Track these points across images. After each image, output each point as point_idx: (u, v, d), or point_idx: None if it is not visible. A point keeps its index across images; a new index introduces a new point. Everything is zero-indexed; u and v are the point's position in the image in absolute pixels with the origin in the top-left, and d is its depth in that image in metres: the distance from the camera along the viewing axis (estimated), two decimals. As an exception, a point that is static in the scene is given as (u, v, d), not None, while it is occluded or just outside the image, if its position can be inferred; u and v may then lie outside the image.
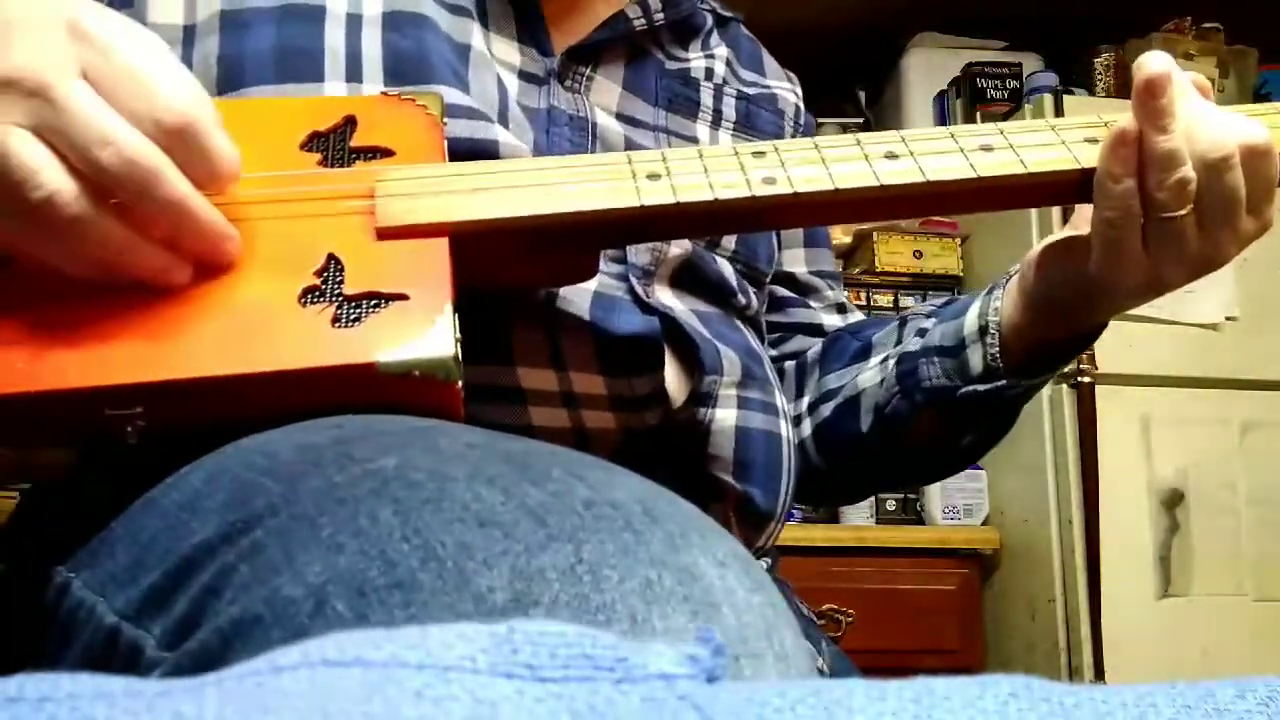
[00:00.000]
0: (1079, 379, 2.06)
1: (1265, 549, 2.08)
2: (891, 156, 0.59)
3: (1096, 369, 2.07)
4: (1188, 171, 0.58)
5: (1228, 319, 2.09)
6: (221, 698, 0.23)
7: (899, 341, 0.78)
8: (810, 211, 0.63)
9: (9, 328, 0.47)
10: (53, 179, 0.46)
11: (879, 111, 2.88)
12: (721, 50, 0.84)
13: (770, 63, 0.90)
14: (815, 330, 0.87)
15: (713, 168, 0.58)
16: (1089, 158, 0.60)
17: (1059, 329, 0.69)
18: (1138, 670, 1.96)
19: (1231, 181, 0.58)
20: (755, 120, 0.83)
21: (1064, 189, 0.61)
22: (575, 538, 0.33)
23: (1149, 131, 0.58)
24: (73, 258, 0.48)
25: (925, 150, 0.59)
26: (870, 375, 0.78)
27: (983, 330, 0.70)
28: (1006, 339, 0.70)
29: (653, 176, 0.57)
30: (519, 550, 0.33)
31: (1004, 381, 0.69)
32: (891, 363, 0.77)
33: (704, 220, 0.61)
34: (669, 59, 0.79)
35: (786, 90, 0.88)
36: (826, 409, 0.81)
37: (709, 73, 0.82)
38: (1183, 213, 0.58)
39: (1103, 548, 2.01)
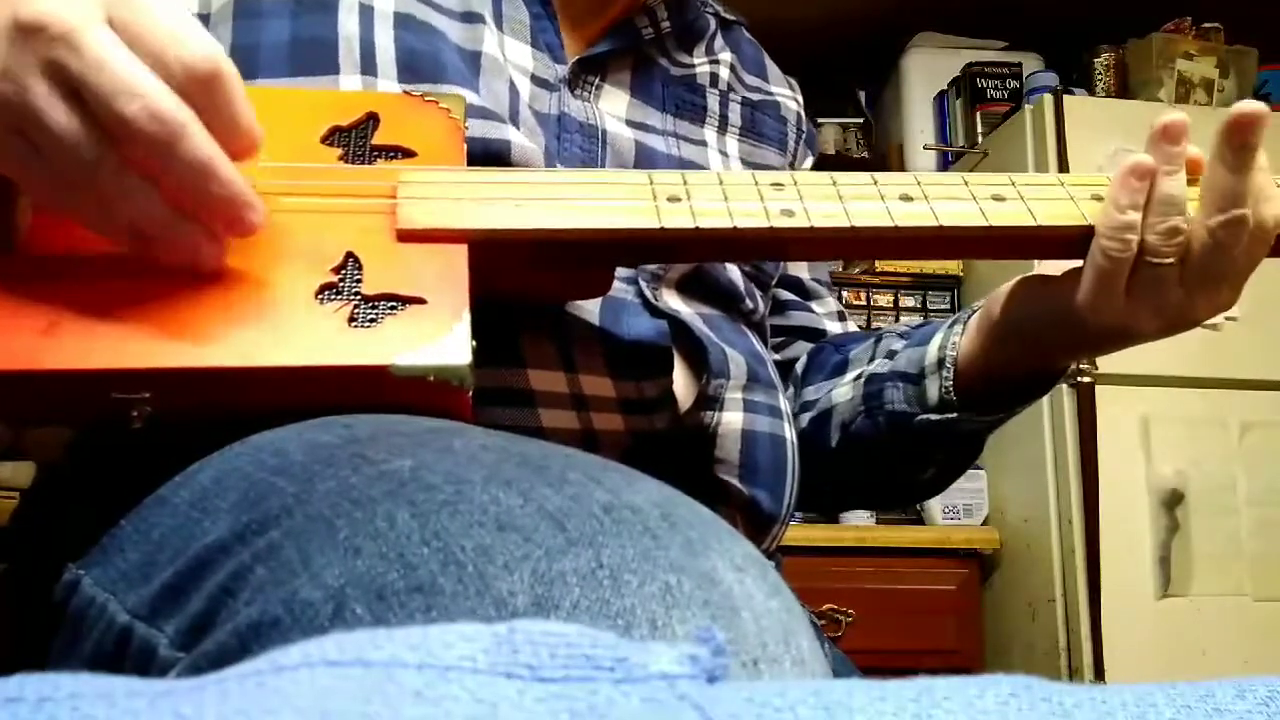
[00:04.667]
0: (1079, 379, 2.06)
1: (1265, 549, 2.08)
2: (906, 199, 0.59)
3: (1096, 369, 2.07)
4: (1180, 221, 0.59)
5: (1227, 319, 2.08)
6: (222, 698, 0.23)
7: (872, 359, 0.79)
8: (825, 245, 0.64)
9: (21, 305, 0.47)
10: (92, 150, 0.44)
11: (879, 111, 2.88)
12: (726, 55, 0.84)
13: (773, 68, 0.90)
14: (818, 335, 0.88)
15: (732, 195, 0.58)
16: (1095, 214, 0.60)
17: (1017, 365, 0.70)
18: (1138, 670, 1.96)
19: (1228, 253, 0.60)
20: (760, 127, 0.83)
21: (1068, 244, 0.62)
22: (595, 542, 0.33)
23: (1156, 173, 0.59)
24: (105, 218, 0.47)
25: (939, 195, 0.60)
26: (843, 391, 0.79)
27: (940, 362, 0.71)
28: (964, 372, 0.70)
29: (673, 199, 0.57)
30: (539, 554, 0.33)
31: (955, 415, 0.70)
32: (861, 381, 0.77)
33: (720, 246, 0.62)
34: (674, 65, 0.80)
35: (789, 98, 0.89)
36: (803, 420, 0.82)
37: (714, 78, 0.82)
38: (1169, 260, 0.59)
39: (1103, 548, 2.01)
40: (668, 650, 0.25)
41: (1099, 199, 0.61)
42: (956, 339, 0.71)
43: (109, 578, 0.45)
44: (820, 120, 2.77)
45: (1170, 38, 2.46)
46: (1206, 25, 2.53)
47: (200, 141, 0.45)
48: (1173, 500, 2.07)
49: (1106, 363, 2.07)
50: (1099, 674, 1.96)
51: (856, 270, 2.55)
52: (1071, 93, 2.33)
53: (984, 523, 2.29)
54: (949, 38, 2.72)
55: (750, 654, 0.31)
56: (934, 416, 0.71)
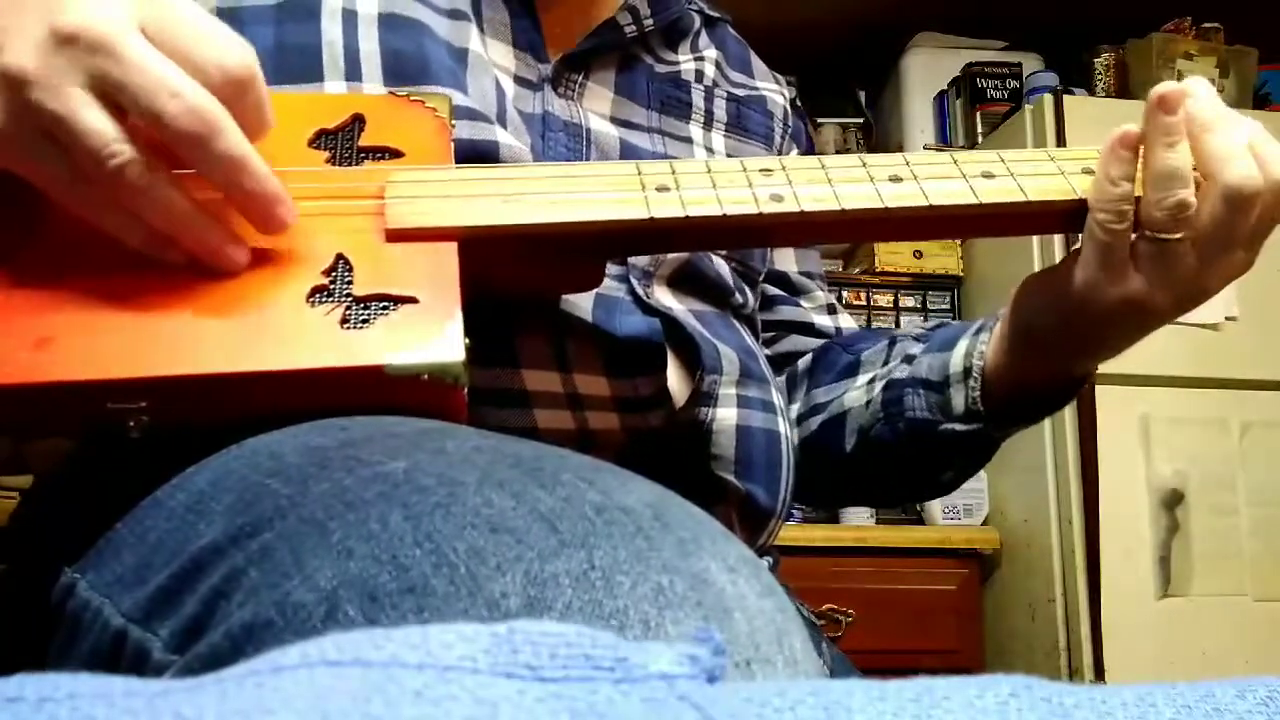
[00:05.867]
0: (1079, 379, 2.06)
1: (1265, 549, 2.08)
2: (895, 180, 0.59)
3: (1096, 369, 2.07)
4: (1188, 195, 0.57)
5: (1228, 319, 2.09)
6: (221, 698, 0.23)
7: (886, 363, 0.79)
8: (814, 230, 0.64)
9: (12, 318, 0.47)
10: (124, 149, 0.46)
11: (879, 111, 2.88)
12: (710, 52, 0.84)
13: (758, 64, 0.90)
14: (807, 329, 0.88)
15: (721, 183, 0.58)
16: (1086, 188, 0.60)
17: (1042, 370, 0.69)
18: (1138, 670, 1.96)
19: (1246, 220, 0.58)
20: (746, 122, 0.83)
21: (1060, 219, 0.62)
22: (587, 543, 0.33)
23: (1154, 145, 0.58)
24: (132, 227, 0.48)
25: (928, 174, 0.60)
26: (856, 395, 0.79)
27: (967, 371, 0.70)
28: (989, 381, 0.70)
29: (662, 189, 0.57)
30: (531, 556, 0.33)
31: (982, 425, 0.70)
32: (879, 387, 0.77)
33: (710, 234, 0.62)
34: (659, 62, 0.80)
35: (775, 92, 0.88)
36: (814, 423, 0.81)
37: (699, 75, 0.82)
38: (1177, 236, 0.58)
39: (1103, 548, 2.01)
40: (667, 650, 0.25)
41: (1090, 172, 0.61)
42: (984, 348, 0.70)
43: (104, 581, 0.45)
44: (820, 120, 2.77)
45: (1170, 38, 2.46)
46: (1206, 25, 2.53)
47: (235, 138, 0.47)
48: (1173, 500, 2.07)
49: (1106, 363, 2.06)
50: (1099, 674, 1.96)
51: (857, 270, 2.55)
52: (1071, 93, 2.33)
53: (984, 523, 2.29)
54: (949, 38, 2.72)
55: (743, 654, 0.31)
56: (959, 427, 0.71)
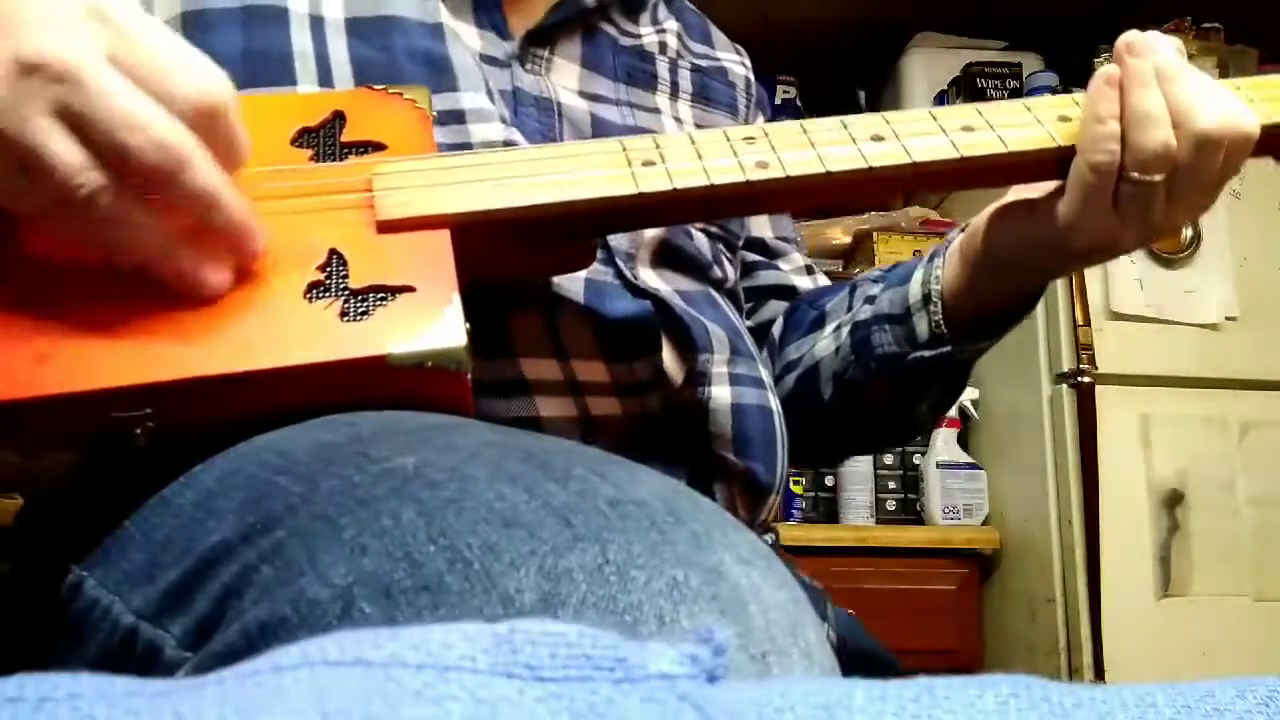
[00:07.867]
0: (1079, 379, 2.06)
1: (1265, 549, 2.07)
2: (877, 139, 0.60)
3: (1096, 369, 2.07)
4: (1169, 136, 0.60)
5: (1228, 319, 2.09)
6: (222, 697, 0.23)
7: (850, 308, 0.80)
8: (801, 194, 0.65)
9: (12, 332, 0.47)
10: (92, 177, 0.45)
11: (879, 111, 2.88)
12: (671, 24, 0.86)
13: (718, 35, 0.92)
14: (788, 292, 0.89)
15: (706, 153, 0.59)
16: (1065, 134, 0.62)
17: (1002, 291, 0.71)
18: (1138, 670, 1.96)
19: (1215, 162, 0.61)
20: (710, 92, 0.85)
21: (1043, 166, 0.63)
22: (601, 538, 0.33)
23: (1131, 88, 0.60)
24: (116, 250, 0.48)
25: (909, 132, 0.61)
26: (826, 344, 0.80)
27: (926, 298, 0.72)
28: (949, 304, 0.71)
29: (648, 163, 0.58)
30: (545, 551, 0.33)
31: (949, 347, 0.71)
32: (845, 331, 0.78)
33: (700, 205, 0.62)
34: (621, 34, 0.81)
35: (735, 63, 0.90)
36: (789, 380, 0.83)
37: (662, 46, 0.83)
38: (1158, 177, 0.60)
39: (1103, 548, 2.01)
40: (668, 650, 0.25)
41: (1066, 119, 0.63)
42: (939, 272, 0.72)
43: (113, 579, 0.45)
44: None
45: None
46: (1206, 25, 2.53)
47: (204, 170, 0.47)
48: (1173, 500, 2.07)
49: (1106, 363, 2.07)
50: (1099, 674, 1.96)
51: (857, 270, 2.55)
52: (1071, 92, 2.32)
53: (984, 523, 2.29)
54: (949, 38, 2.72)
55: (759, 647, 0.31)
56: (926, 353, 0.72)
